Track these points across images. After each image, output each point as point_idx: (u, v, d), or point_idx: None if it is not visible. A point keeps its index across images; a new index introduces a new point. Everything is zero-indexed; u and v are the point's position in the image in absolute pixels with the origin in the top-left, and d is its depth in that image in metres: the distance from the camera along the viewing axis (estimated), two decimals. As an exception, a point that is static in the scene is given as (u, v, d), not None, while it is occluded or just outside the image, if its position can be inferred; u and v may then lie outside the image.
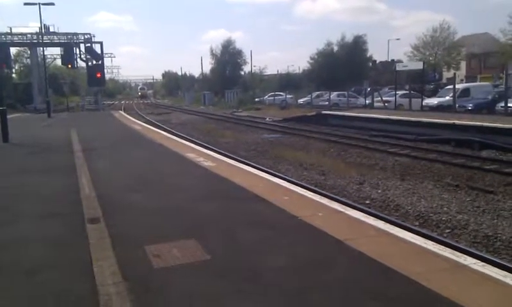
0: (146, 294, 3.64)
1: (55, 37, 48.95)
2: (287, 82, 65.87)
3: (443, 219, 7.98)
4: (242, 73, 76.89)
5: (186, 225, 5.49)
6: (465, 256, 4.43)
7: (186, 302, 3.53)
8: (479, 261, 4.28)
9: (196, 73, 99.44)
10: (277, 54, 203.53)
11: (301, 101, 44.63)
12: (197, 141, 18.20)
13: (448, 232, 7.37)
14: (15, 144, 15.07)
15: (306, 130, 23.03)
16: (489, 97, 25.70)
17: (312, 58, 67.15)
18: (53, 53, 58.30)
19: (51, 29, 48.70)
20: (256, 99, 52.91)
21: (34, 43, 48.98)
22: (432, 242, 4.84)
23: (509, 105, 21.47)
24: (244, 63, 74.81)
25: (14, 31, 49.84)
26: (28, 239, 5.14)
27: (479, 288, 3.69)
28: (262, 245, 4.73)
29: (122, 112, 37.97)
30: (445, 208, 8.59)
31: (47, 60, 47.30)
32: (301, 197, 6.83)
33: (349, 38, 64.06)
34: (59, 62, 48.59)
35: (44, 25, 42.41)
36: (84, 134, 17.68)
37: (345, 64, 58.81)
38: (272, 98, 50.46)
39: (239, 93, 58.36)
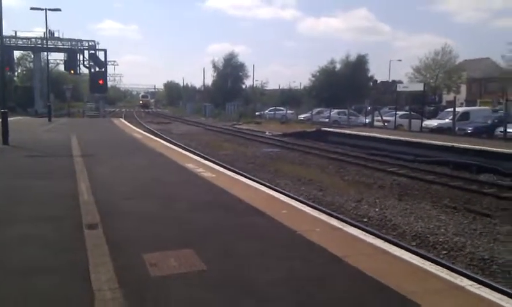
0: (142, 302, 3.64)
1: (59, 42, 49.38)
2: (288, 97, 66.40)
3: (440, 240, 7.98)
4: (244, 86, 77.37)
5: (184, 235, 5.49)
6: (461, 277, 4.44)
7: (182, 311, 3.53)
8: (475, 283, 4.29)
9: (198, 84, 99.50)
10: (279, 68, 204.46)
11: (301, 117, 44.82)
12: (197, 151, 18.23)
13: (445, 253, 7.38)
14: (14, 146, 15.07)
15: (306, 145, 23.08)
16: (489, 121, 25.85)
17: (313, 75, 67.80)
18: (56, 58, 58.49)
19: (56, 35, 49.13)
20: (256, 113, 53.10)
21: (38, 47, 49.38)
22: (429, 262, 4.85)
23: (508, 130, 21.59)
24: (245, 77, 75.38)
25: (19, 34, 50.26)
26: (25, 242, 5.13)
27: (475, 309, 3.70)
28: (258, 258, 4.73)
29: (123, 120, 38.02)
30: (442, 230, 8.60)
31: (50, 65, 47.55)
32: (299, 212, 6.84)
33: (353, 57, 64.72)
34: (62, 67, 48.88)
35: (49, 30, 42.69)
36: (84, 140, 17.69)
37: (346, 83, 59.25)
38: (272, 112, 50.66)
39: (239, 106, 58.58)
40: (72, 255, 4.69)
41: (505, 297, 4.00)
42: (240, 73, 74.53)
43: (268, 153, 20.61)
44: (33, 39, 50.00)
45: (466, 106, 44.52)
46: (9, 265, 4.45)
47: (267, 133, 30.87)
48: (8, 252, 4.82)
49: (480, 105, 46.44)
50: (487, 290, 4.15)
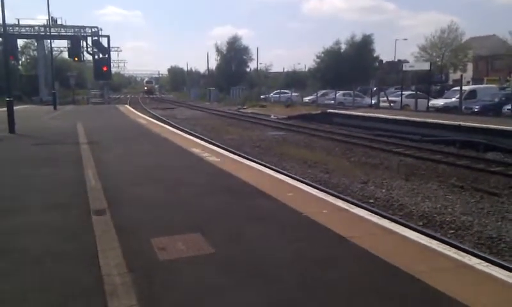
0: (151, 285, 3.67)
1: (62, 30, 49.23)
2: (293, 80, 65.98)
3: (447, 219, 7.97)
4: (248, 70, 76.96)
5: (191, 219, 5.51)
6: (469, 256, 4.44)
7: (191, 293, 3.56)
8: (483, 262, 4.29)
9: (202, 69, 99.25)
10: (283, 51, 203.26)
11: (306, 99, 44.60)
12: (202, 136, 18.24)
13: (452, 233, 7.37)
14: (21, 135, 15.14)
15: (311, 128, 23.02)
16: (496, 99, 25.61)
17: (318, 57, 67.30)
18: (60, 46, 58.58)
19: (58, 22, 49.00)
20: (261, 96, 52.90)
21: (41, 35, 49.23)
22: (437, 242, 4.85)
23: (515, 107, 21.43)
24: (249, 60, 75.06)
25: (22, 22, 50.12)
26: (35, 229, 5.18)
27: (483, 287, 3.70)
28: (266, 241, 4.75)
29: (128, 106, 38.05)
30: (449, 209, 8.58)
31: (54, 52, 47.56)
32: (305, 194, 6.85)
33: (358, 37, 64.15)
34: (65, 55, 48.73)
35: (52, 17, 42.62)
36: (89, 127, 17.74)
37: (351, 64, 58.83)
38: (277, 95, 50.48)
39: (244, 89, 58.35)
40: (80, 241, 4.72)
41: (514, 275, 4.00)
42: (244, 57, 74.21)
43: (273, 136, 20.58)
44: (36, 27, 49.83)
45: (472, 84, 44.11)
46: (21, 251, 4.49)
47: (272, 116, 30.79)
48: (19, 239, 4.86)
49: (487, 83, 46.01)
50: (495, 268, 4.15)
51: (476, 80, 55.38)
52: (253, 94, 55.03)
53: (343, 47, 65.24)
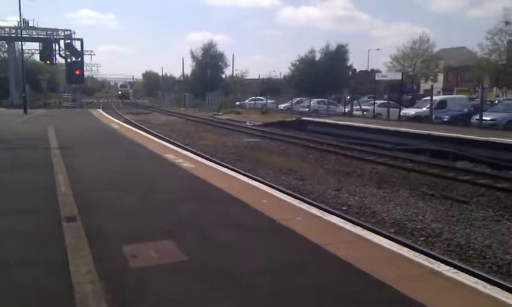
0: (123, 293, 3.62)
1: (34, 32, 48.31)
2: (268, 87, 66.27)
3: (418, 226, 8.12)
4: (224, 76, 76.90)
5: (164, 226, 5.47)
6: (439, 263, 4.53)
7: (163, 301, 3.52)
8: (452, 268, 4.39)
9: (177, 74, 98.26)
10: (259, 57, 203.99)
11: (281, 106, 44.84)
12: (176, 142, 18.11)
13: (423, 240, 7.51)
14: (-11, 139, 14.73)
15: (286, 135, 23.14)
16: (465, 110, 26.25)
17: (293, 64, 67.83)
18: (31, 48, 57.37)
19: (30, 24, 48.02)
20: (237, 103, 52.95)
21: (12, 37, 48.16)
22: (407, 249, 4.94)
23: (484, 118, 22.02)
24: (225, 66, 74.89)
25: (-9, 24, 48.91)
26: (3, 235, 5.04)
27: (451, 293, 3.79)
28: (239, 247, 4.74)
29: (101, 111, 37.48)
30: (420, 217, 8.74)
31: (25, 55, 46.44)
32: (279, 201, 6.87)
33: (332, 46, 64.98)
34: (37, 57, 47.83)
35: (23, 19, 41.65)
36: (61, 131, 17.39)
37: (326, 72, 59.54)
38: (253, 102, 50.60)
39: (219, 95, 58.28)
40: (50, 248, 4.62)
41: (481, 281, 4.10)
42: (220, 63, 74.00)
43: (249, 142, 20.60)
44: (7, 29, 48.80)
45: (443, 95, 45.21)
46: (-14, 259, 4.36)
47: (247, 123, 30.82)
48: (-16, 246, 4.72)
49: (457, 94, 47.22)
50: (463, 274, 4.25)
51: (446, 90, 56.83)
52: (228, 100, 55.04)
53: (318, 55, 66.06)
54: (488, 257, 6.76)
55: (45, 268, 4.13)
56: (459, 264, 5.88)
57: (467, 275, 4.27)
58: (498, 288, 3.96)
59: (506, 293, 3.81)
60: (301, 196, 9.15)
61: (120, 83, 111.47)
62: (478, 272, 5.61)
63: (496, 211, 9.26)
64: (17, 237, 5.00)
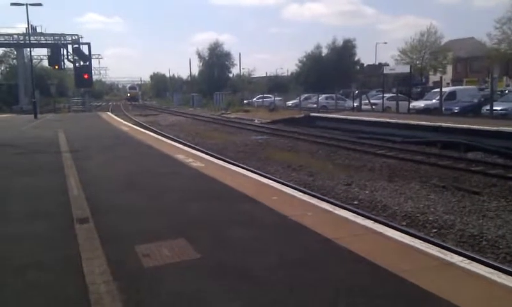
0: (137, 292, 3.65)
1: (42, 38, 48.64)
2: (276, 84, 66.20)
3: (430, 219, 8.07)
4: (231, 75, 76.93)
5: (176, 225, 5.49)
6: (452, 254, 4.50)
7: (177, 300, 3.55)
8: (466, 259, 4.37)
9: (185, 75, 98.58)
10: (265, 56, 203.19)
11: (289, 103, 44.75)
12: (186, 142, 18.17)
13: (435, 232, 7.47)
14: (1, 144, 14.90)
15: (295, 132, 23.11)
16: (475, 100, 26.03)
17: (300, 61, 67.70)
18: (40, 54, 57.78)
19: (38, 30, 48.36)
20: (244, 101, 52.91)
21: (20, 43, 48.59)
22: (420, 241, 4.92)
23: (494, 108, 21.80)
24: (232, 65, 74.94)
25: (0, 31, 49.42)
26: (17, 238, 5.11)
27: (466, 284, 3.77)
28: (251, 244, 4.75)
29: (110, 114, 37.73)
30: (432, 209, 8.69)
31: (34, 61, 46.88)
32: (290, 198, 6.88)
33: (339, 41, 64.72)
34: (46, 63, 48.17)
35: (31, 25, 42.03)
36: (71, 135, 17.54)
37: (333, 67, 59.31)
38: (260, 100, 50.51)
39: (227, 95, 58.30)
40: (64, 250, 4.67)
41: (495, 271, 4.08)
42: (227, 62, 74.06)
43: (257, 140, 20.61)
44: (15, 36, 49.21)
45: (452, 86, 44.81)
46: (2, 260, 4.42)
47: (255, 121, 30.81)
48: (1, 249, 4.78)
49: (466, 85, 46.76)
50: (478, 265, 4.22)
51: (455, 81, 56.23)
52: (236, 99, 55.03)
53: (324, 51, 65.83)
54: (502, 247, 6.71)
55: (60, 270, 4.17)
56: (472, 255, 5.84)
57: (481, 265, 4.24)
58: (514, 278, 3.93)
59: (522, 283, 3.78)
60: (311, 192, 9.14)
61: (128, 85, 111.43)
62: (492, 263, 5.57)
63: (509, 201, 9.18)
64: (31, 239, 5.06)
